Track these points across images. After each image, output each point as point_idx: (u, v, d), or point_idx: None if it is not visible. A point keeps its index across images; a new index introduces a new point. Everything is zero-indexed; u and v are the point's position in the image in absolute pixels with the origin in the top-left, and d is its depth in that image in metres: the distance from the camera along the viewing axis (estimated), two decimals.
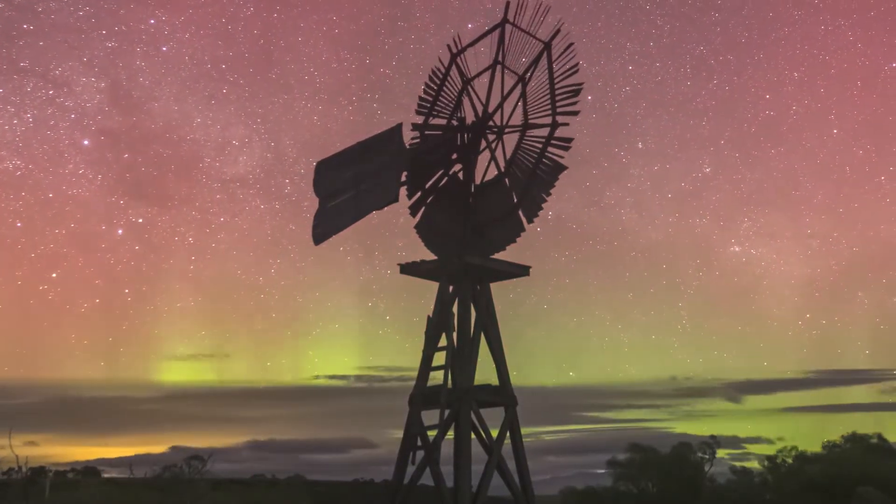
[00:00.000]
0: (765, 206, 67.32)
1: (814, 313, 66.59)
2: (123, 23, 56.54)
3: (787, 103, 65.88)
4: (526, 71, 24.82)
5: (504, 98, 25.24)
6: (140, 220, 59.18)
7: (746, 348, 68.34)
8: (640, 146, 64.91)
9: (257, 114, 60.89)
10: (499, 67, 25.29)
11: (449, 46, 25.96)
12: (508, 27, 25.15)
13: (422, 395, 24.26)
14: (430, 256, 25.39)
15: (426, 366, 24.47)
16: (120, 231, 59.13)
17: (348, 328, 63.97)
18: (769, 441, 56.50)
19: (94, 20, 57.00)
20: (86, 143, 58.21)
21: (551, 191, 23.99)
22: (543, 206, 24.12)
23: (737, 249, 66.79)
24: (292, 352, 64.91)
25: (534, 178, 24.05)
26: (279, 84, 60.90)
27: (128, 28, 56.82)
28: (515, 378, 24.71)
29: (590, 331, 67.92)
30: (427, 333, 24.52)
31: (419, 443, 23.99)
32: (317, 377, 65.35)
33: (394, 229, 51.27)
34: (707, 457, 49.22)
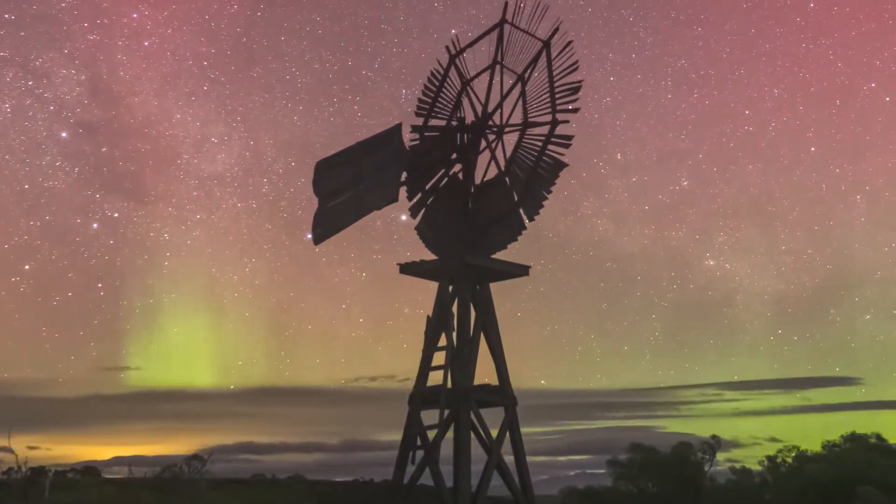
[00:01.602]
0: (740, 221, 67.42)
1: (786, 329, 66.93)
2: (106, 16, 56.44)
3: (766, 119, 66.05)
4: (525, 70, 24.81)
5: (503, 97, 25.25)
6: (116, 215, 59.01)
7: (718, 362, 68.75)
8: (619, 157, 65.04)
9: (237, 112, 60.81)
10: (498, 67, 25.28)
11: (448, 48, 25.96)
12: (507, 27, 25.15)
13: (421, 395, 24.24)
14: (429, 256, 25.41)
15: (426, 366, 24.47)
16: (95, 225, 58.90)
17: (322, 329, 64.14)
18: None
19: (77, 12, 56.85)
20: (64, 135, 57.94)
21: (552, 188, 24.07)
22: (544, 203, 24.19)
23: (711, 263, 66.98)
24: (265, 351, 64.95)
25: (534, 176, 24.06)
26: (260, 83, 60.90)
27: (110, 21, 56.72)
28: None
29: (563, 339, 67.97)
30: (427, 333, 24.51)
31: (419, 443, 24.00)
32: (299, 377, 65.46)
33: (370, 232, 51.44)
34: (707, 457, 49.19)
